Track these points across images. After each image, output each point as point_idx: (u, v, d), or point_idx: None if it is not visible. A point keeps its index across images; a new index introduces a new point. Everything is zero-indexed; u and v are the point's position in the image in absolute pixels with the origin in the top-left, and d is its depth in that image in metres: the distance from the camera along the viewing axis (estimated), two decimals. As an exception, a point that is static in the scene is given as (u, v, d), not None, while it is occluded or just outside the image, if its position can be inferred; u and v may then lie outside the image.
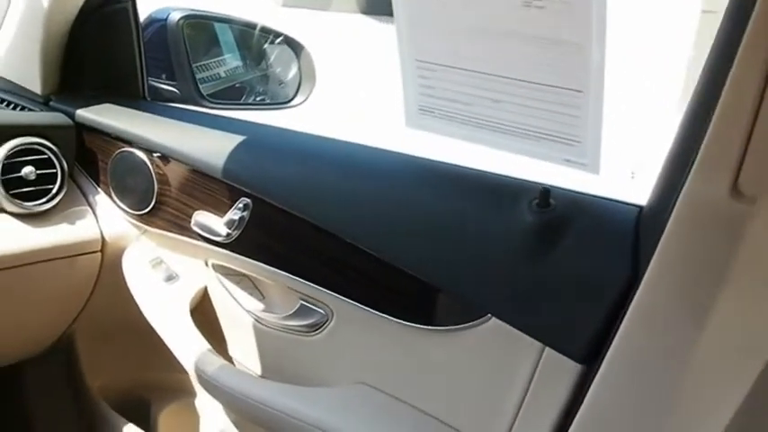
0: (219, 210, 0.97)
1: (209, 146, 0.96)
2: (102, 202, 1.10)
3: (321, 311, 0.90)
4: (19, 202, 1.00)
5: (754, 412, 0.53)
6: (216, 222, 0.96)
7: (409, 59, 0.71)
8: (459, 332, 0.76)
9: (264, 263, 0.93)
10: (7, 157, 0.99)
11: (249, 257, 0.94)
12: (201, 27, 1.43)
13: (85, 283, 1.11)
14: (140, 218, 1.07)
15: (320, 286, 0.88)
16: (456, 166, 0.83)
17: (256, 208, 0.92)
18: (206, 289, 1.05)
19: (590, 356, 0.65)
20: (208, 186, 0.97)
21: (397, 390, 0.84)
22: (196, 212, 0.99)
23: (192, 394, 1.20)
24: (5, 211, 1.00)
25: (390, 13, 0.68)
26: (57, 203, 1.04)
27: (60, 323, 1.18)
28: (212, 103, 1.30)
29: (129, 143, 1.05)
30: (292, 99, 1.44)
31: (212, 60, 1.44)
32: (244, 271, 0.98)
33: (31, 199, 1.01)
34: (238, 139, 0.95)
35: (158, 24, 1.28)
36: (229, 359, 1.04)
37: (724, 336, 0.54)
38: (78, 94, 1.13)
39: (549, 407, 0.69)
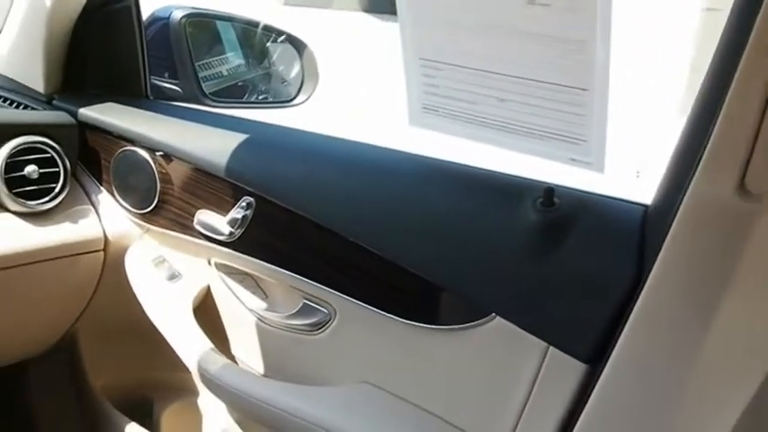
0: (222, 208, 0.96)
1: (211, 144, 0.96)
2: (104, 200, 1.10)
3: (324, 310, 0.89)
4: (22, 200, 1.00)
5: (761, 413, 0.53)
6: (219, 221, 0.96)
7: (413, 58, 0.71)
8: (463, 331, 0.76)
9: (267, 262, 0.92)
10: (10, 155, 0.99)
11: (252, 256, 0.94)
12: (204, 25, 1.42)
13: (88, 281, 1.11)
14: (143, 217, 1.07)
15: (323, 285, 0.88)
16: (460, 164, 0.83)
17: (259, 207, 0.92)
18: (209, 288, 1.05)
19: (595, 356, 0.65)
20: (210, 185, 0.97)
21: (401, 389, 0.84)
22: (199, 211, 0.99)
23: (195, 393, 1.20)
24: (8, 210, 1.00)
25: (392, 12, 0.68)
26: (59, 202, 1.04)
27: (63, 322, 1.18)
28: (215, 101, 1.30)
29: (132, 142, 1.05)
30: (295, 97, 1.43)
31: (215, 59, 1.44)
32: (247, 270, 0.98)
33: (34, 198, 1.01)
34: (241, 137, 0.95)
35: (161, 23, 1.28)
36: (232, 358, 1.04)
37: (730, 336, 0.53)
38: (81, 92, 1.13)
39: (553, 406, 0.69)
